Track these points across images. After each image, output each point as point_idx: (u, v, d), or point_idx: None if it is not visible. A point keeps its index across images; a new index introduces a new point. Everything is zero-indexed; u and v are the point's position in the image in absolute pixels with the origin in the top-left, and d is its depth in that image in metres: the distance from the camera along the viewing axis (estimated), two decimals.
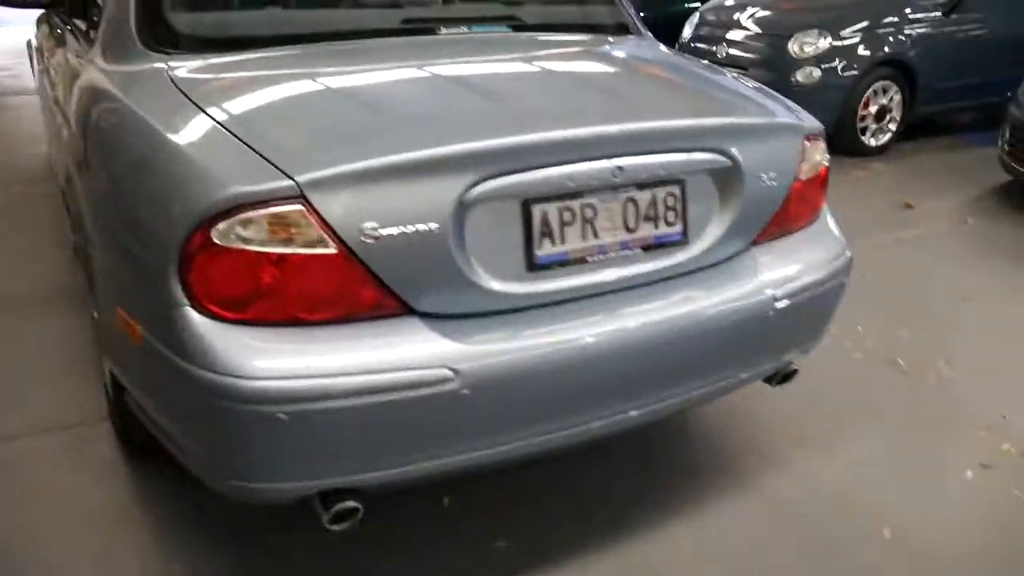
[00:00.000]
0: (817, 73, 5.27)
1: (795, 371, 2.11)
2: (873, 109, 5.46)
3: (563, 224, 1.66)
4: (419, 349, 1.52)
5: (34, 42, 4.19)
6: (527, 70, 2.13)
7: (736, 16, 6.04)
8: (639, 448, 2.33)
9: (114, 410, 2.14)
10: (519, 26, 2.32)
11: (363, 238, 1.46)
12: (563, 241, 1.66)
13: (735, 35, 5.89)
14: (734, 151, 1.81)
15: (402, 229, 1.48)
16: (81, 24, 2.65)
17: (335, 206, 1.44)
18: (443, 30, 2.16)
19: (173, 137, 1.61)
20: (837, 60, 5.30)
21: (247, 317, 1.47)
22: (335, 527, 1.58)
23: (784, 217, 1.97)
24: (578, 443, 1.74)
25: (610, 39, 2.44)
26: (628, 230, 1.73)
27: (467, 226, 1.54)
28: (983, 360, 2.92)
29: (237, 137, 1.54)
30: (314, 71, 1.90)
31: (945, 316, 3.28)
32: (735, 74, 2.41)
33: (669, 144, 1.73)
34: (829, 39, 5.33)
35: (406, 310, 1.55)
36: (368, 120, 1.67)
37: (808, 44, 5.34)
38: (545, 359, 1.59)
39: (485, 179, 1.54)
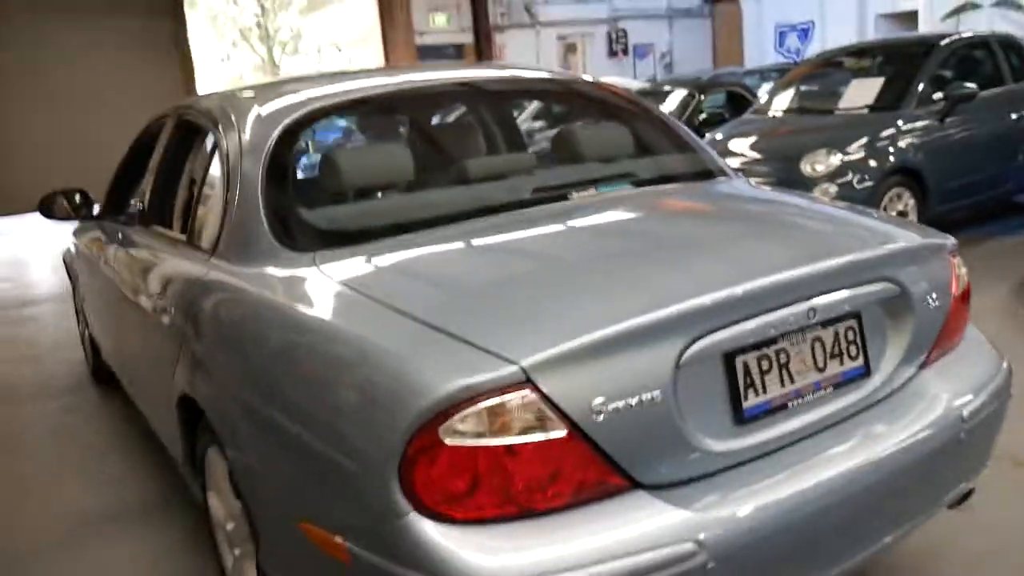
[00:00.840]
0: (834, 189, 5.42)
1: (972, 490, 2.02)
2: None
3: (762, 373, 1.61)
4: (657, 525, 1.42)
5: (76, 250, 4.19)
6: (681, 222, 2.16)
7: (733, 146, 6.26)
8: None
9: None
10: (637, 182, 2.35)
11: (593, 415, 1.40)
12: (765, 391, 1.61)
13: (736, 163, 6.07)
14: (902, 278, 1.80)
15: (627, 401, 1.42)
16: (169, 232, 2.67)
17: (562, 386, 1.38)
18: (574, 194, 2.17)
19: (362, 334, 1.56)
20: (850, 174, 5.47)
21: (479, 516, 1.38)
22: None
23: (946, 335, 1.94)
24: None
25: (716, 182, 2.47)
26: (818, 370, 1.69)
27: (679, 388, 1.49)
28: None
29: (433, 327, 1.49)
30: (473, 250, 1.89)
31: None
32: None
33: (851, 279, 1.71)
34: (839, 156, 5.53)
35: (631, 484, 1.47)
36: (563, 292, 1.63)
37: (819, 163, 5.52)
38: (776, 515, 1.50)
39: (699, 337, 1.50)
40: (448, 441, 1.35)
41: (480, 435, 1.36)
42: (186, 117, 2.76)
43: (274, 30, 26.74)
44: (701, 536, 1.42)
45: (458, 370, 1.37)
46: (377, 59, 14.93)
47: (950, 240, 2.00)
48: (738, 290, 1.56)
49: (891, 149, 5.70)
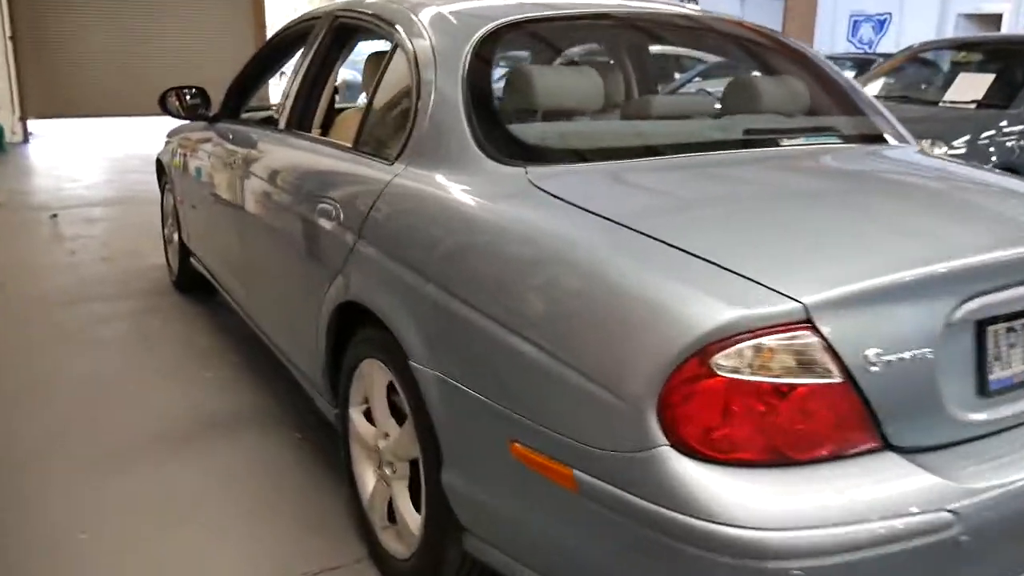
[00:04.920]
0: None
1: None
2: None
3: (1010, 346, 1.52)
4: (913, 489, 1.34)
5: (175, 152, 4.12)
6: (912, 181, 2.08)
7: None
8: None
9: (424, 551, 1.91)
10: (843, 137, 2.25)
11: (866, 365, 1.32)
12: (1009, 364, 1.52)
13: None
14: None
15: (900, 355, 1.34)
16: (323, 137, 2.60)
17: (841, 331, 1.31)
18: (784, 141, 2.07)
19: (611, 255, 1.47)
20: None
21: (735, 457, 1.31)
22: None
23: None
24: None
25: (909, 147, 2.37)
26: None
27: (944, 349, 1.40)
28: None
29: (694, 254, 1.41)
30: (705, 182, 1.81)
31: None
32: None
33: None
34: (944, 149, 5.39)
35: (883, 445, 1.39)
36: (829, 234, 1.55)
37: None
38: None
39: (969, 298, 1.41)
40: (719, 372, 1.28)
41: (751, 372, 1.29)
42: (347, 21, 2.66)
43: None
44: (956, 506, 1.34)
45: (735, 301, 1.30)
46: None
47: None
48: (1012, 254, 1.47)
49: (992, 148, 5.55)
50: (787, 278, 1.33)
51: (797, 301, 1.29)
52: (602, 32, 2.65)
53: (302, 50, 2.91)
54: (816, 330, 1.29)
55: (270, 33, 12.26)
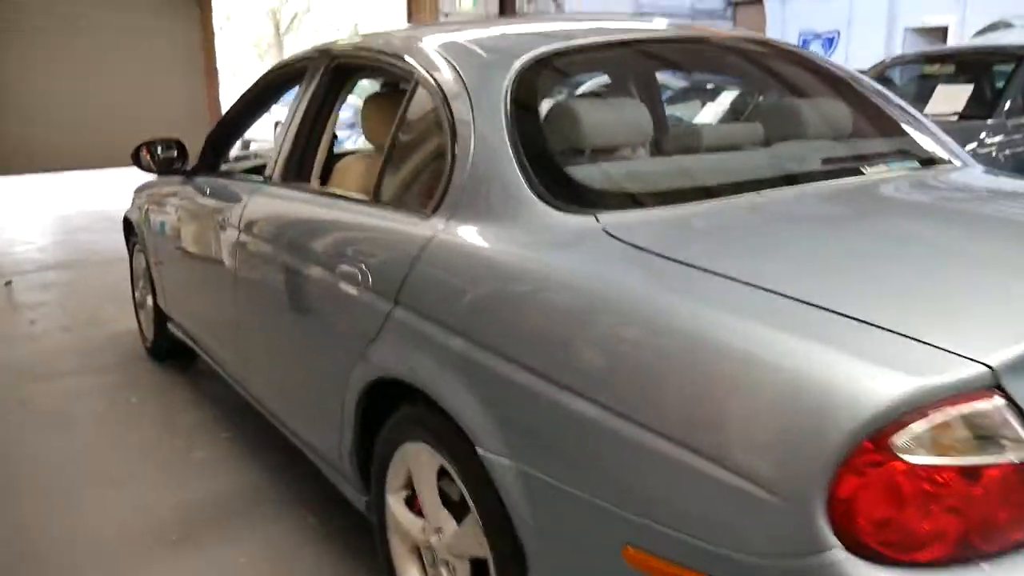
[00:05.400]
0: None
1: None
2: None
3: None
4: None
5: (147, 210, 3.81)
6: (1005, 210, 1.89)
7: None
8: None
9: None
10: (920, 160, 2.06)
11: None
12: None
13: None
14: None
15: None
16: (328, 188, 2.35)
17: None
18: (868, 169, 1.87)
19: (732, 316, 1.24)
20: None
21: (922, 558, 1.08)
22: None
23: None
24: None
25: (975, 167, 2.21)
26: None
27: None
28: None
29: (838, 312, 1.19)
30: (815, 223, 1.61)
31: None
32: None
33: None
34: None
35: None
36: (986, 279, 1.34)
37: None
38: None
39: None
40: (899, 459, 1.06)
41: (937, 452, 1.07)
42: (347, 61, 2.43)
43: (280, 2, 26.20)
44: None
45: (911, 369, 1.07)
46: None
47: None
48: None
49: (976, 159, 5.52)
50: (963, 336, 1.12)
51: (984, 364, 1.08)
52: (634, 60, 2.45)
53: (296, 95, 2.66)
54: (1007, 396, 1.08)
55: (222, 80, 12.04)
